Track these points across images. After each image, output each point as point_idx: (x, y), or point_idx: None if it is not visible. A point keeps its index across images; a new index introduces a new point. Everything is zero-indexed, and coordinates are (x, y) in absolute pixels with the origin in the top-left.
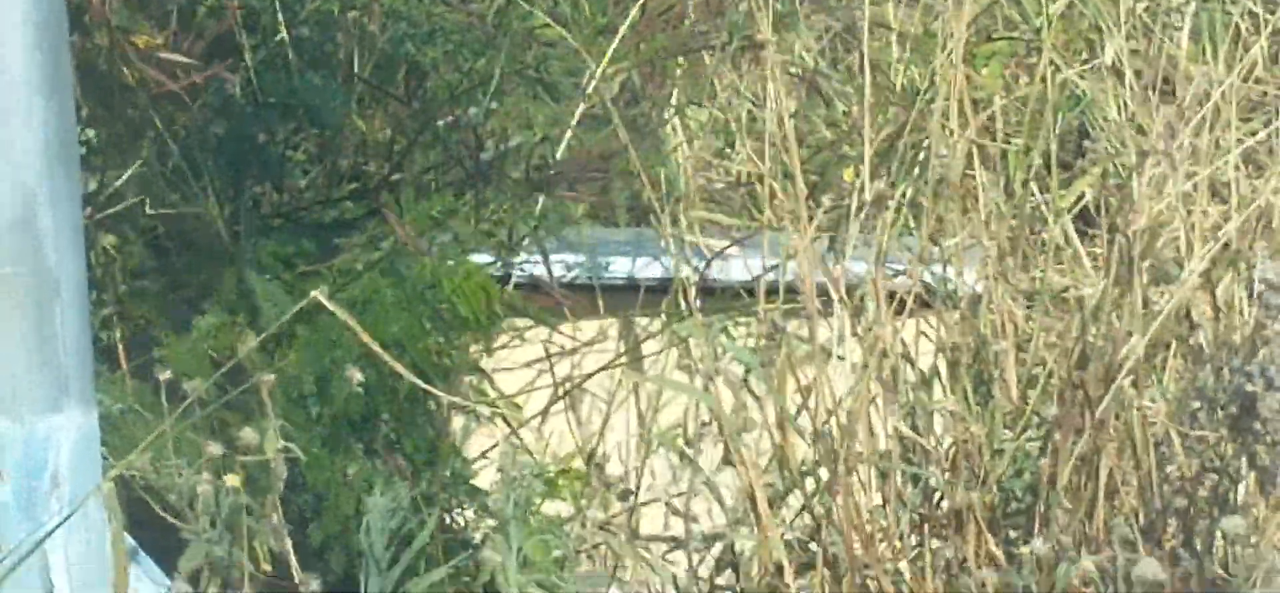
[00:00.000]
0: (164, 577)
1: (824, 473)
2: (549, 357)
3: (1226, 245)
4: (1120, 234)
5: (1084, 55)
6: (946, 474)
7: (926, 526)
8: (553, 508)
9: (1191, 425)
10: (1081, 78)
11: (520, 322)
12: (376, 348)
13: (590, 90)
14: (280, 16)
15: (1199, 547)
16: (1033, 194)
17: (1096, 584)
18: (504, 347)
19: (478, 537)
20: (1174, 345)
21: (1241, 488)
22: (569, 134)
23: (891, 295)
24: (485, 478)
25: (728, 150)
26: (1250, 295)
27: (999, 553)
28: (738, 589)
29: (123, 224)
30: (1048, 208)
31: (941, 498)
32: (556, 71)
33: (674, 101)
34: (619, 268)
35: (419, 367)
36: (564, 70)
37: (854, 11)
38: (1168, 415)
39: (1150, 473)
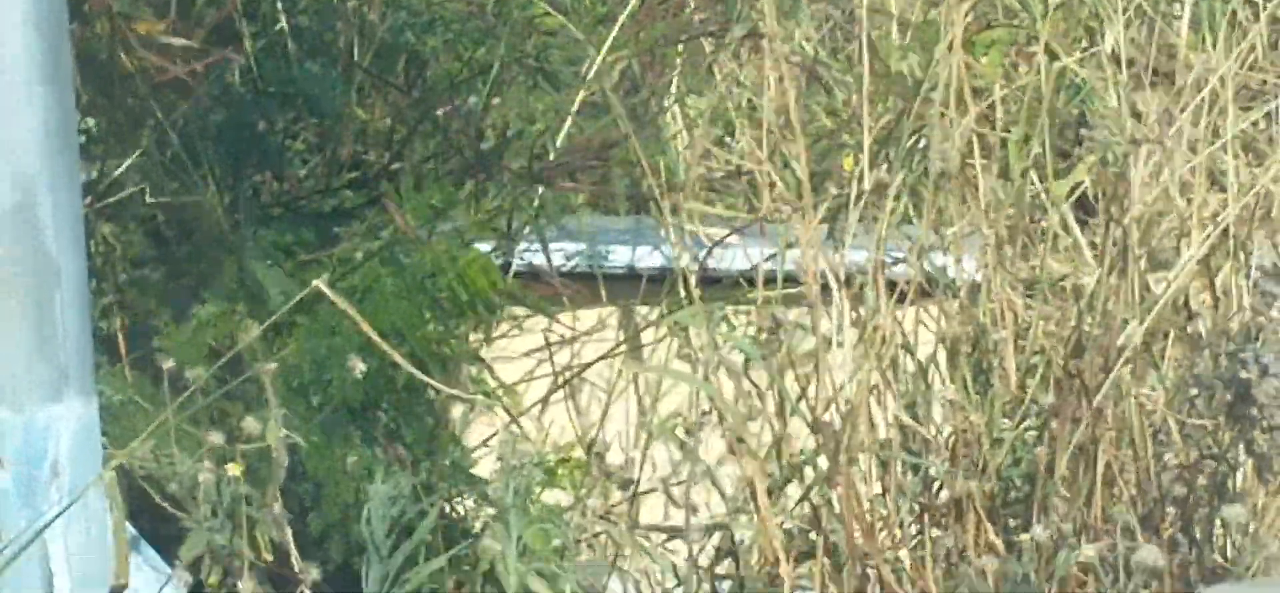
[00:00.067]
0: (165, 566)
1: (823, 463)
2: (548, 346)
3: (1224, 233)
4: (1116, 223)
5: (1084, 44)
6: (946, 463)
7: (926, 515)
8: (552, 497)
9: (1189, 413)
10: (1081, 66)
11: (519, 311)
12: (376, 337)
13: (590, 79)
14: (279, 5)
15: (1197, 534)
16: (1032, 183)
17: (1096, 572)
18: (503, 336)
19: (477, 526)
20: (1172, 334)
21: (1239, 475)
22: (568, 123)
23: (892, 285)
24: (485, 467)
25: (727, 140)
26: (1248, 283)
27: (998, 542)
28: (737, 578)
29: (123, 213)
30: (1047, 196)
31: (941, 487)
32: (556, 60)
33: (673, 90)
34: (619, 257)
35: (419, 356)
36: (564, 59)
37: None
38: (1166, 404)
39: (1148, 461)
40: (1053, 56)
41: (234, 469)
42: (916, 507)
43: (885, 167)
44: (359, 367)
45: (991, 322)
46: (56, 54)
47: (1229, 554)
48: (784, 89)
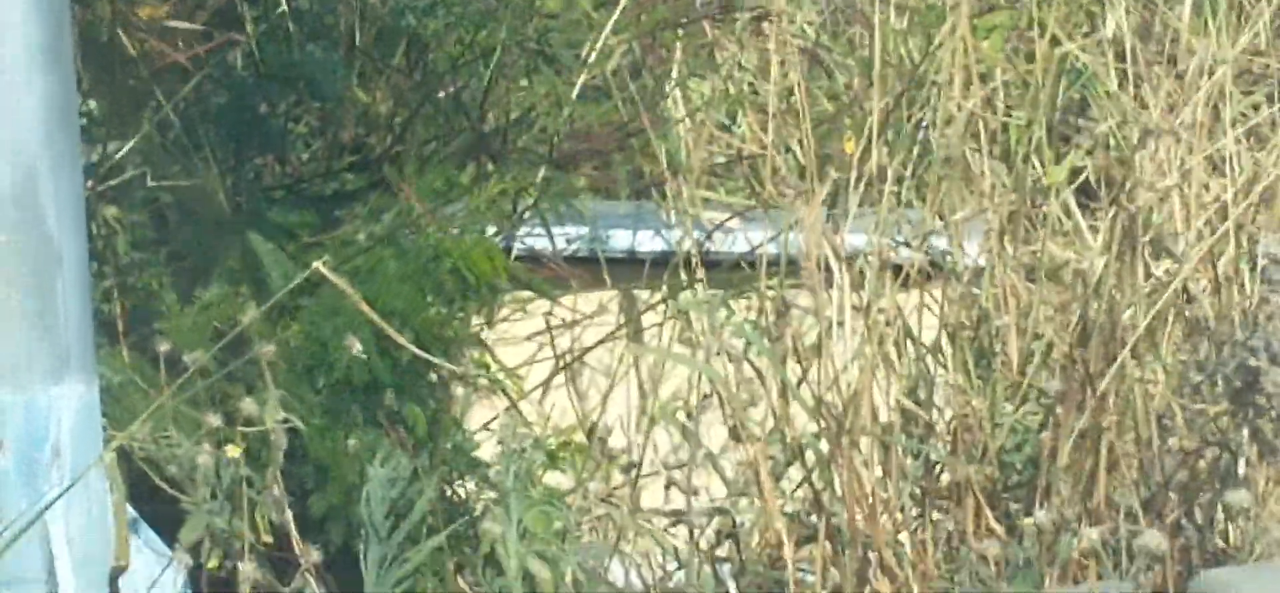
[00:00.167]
0: (165, 548)
1: (825, 446)
2: (550, 329)
3: (1226, 218)
4: (1123, 209)
5: (1085, 29)
6: (948, 448)
7: (928, 498)
8: (554, 480)
9: (1193, 399)
10: (1083, 51)
11: (522, 294)
12: (378, 319)
13: (592, 62)
14: None
15: (1200, 519)
16: (1034, 167)
17: (1098, 556)
18: (505, 319)
19: (478, 509)
20: (1174, 319)
21: (1242, 461)
22: (569, 107)
23: (896, 269)
24: (486, 450)
25: (729, 124)
26: (1253, 270)
27: (999, 526)
28: (739, 562)
29: (124, 196)
30: (1048, 181)
31: (942, 471)
32: (558, 43)
33: (675, 74)
34: (620, 241)
35: (421, 339)
36: (565, 42)
37: None
38: (1169, 389)
39: (1152, 446)
40: (1054, 41)
41: (233, 451)
42: (918, 491)
43: (887, 150)
44: (356, 346)
45: (994, 306)
46: (58, 37)
47: (1232, 539)
48: (787, 72)
